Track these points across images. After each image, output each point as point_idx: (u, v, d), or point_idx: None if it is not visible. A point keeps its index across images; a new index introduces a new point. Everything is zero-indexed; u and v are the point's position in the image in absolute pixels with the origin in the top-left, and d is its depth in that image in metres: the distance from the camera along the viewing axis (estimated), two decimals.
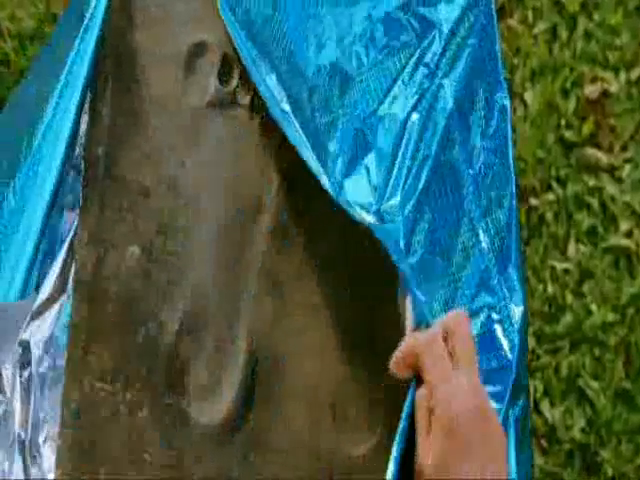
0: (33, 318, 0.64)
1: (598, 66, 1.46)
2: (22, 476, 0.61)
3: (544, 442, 1.28)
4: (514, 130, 0.70)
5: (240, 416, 0.65)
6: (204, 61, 0.72)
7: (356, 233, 0.70)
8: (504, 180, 0.72)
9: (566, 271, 1.36)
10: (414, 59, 0.74)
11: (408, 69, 0.73)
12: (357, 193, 0.67)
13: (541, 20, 1.49)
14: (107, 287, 0.65)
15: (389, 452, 0.60)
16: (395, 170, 0.69)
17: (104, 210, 0.66)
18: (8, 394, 0.63)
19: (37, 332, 0.64)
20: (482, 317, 0.68)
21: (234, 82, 0.73)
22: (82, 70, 0.68)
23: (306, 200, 0.72)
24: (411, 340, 0.58)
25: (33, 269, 0.64)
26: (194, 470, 0.63)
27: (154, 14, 0.72)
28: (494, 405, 0.64)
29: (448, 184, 0.70)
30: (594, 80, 1.46)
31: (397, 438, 0.58)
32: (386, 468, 0.57)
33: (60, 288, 0.65)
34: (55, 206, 0.66)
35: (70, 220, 0.67)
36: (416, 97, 0.72)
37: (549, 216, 1.39)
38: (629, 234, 1.38)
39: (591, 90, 1.45)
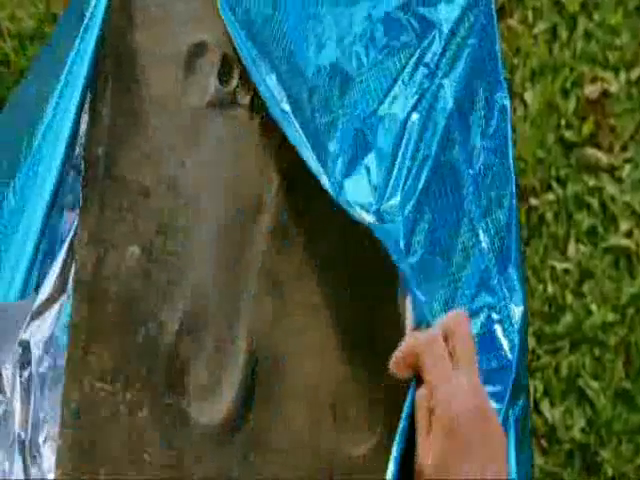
0: (33, 318, 0.64)
1: (598, 66, 1.46)
2: (22, 476, 0.61)
3: (544, 442, 1.28)
4: (514, 130, 0.70)
5: (240, 416, 0.65)
6: (204, 61, 0.72)
7: (356, 233, 0.70)
8: (504, 180, 0.72)
9: (566, 271, 1.36)
10: (414, 59, 0.74)
11: (408, 69, 0.73)
12: (357, 193, 0.67)
13: (541, 20, 1.49)
14: (107, 287, 0.65)
15: (389, 452, 0.60)
16: (395, 170, 0.69)
17: (104, 210, 0.66)
18: (8, 394, 0.63)
19: (37, 332, 0.64)
20: (482, 317, 0.68)
21: (234, 82, 0.73)
22: (82, 70, 0.68)
23: (306, 200, 0.71)
24: (411, 340, 0.58)
25: (33, 269, 0.64)
26: (194, 470, 0.63)
27: (154, 14, 0.72)
28: (494, 405, 0.64)
29: (448, 184, 0.70)
30: (594, 80, 1.46)
31: (397, 438, 0.58)
32: (386, 468, 0.57)
33: (60, 288, 0.65)
34: (55, 206, 0.66)
35: (70, 220, 0.67)
36: (416, 97, 0.72)
37: (549, 216, 1.39)
38: (629, 234, 1.38)
39: (591, 90, 1.45)
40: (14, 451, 0.62)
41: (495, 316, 0.67)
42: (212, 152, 0.70)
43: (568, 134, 1.43)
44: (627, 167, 1.41)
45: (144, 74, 0.70)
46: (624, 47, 1.47)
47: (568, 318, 1.33)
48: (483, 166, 0.72)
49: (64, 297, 0.65)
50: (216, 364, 0.66)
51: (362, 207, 0.67)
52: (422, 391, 0.56)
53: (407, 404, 0.58)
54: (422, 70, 0.73)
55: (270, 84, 0.69)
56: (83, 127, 0.68)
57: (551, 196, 1.40)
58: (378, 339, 0.70)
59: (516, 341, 0.67)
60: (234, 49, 0.72)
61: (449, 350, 0.56)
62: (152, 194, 0.68)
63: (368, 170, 0.69)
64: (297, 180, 0.71)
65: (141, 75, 0.70)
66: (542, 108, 1.43)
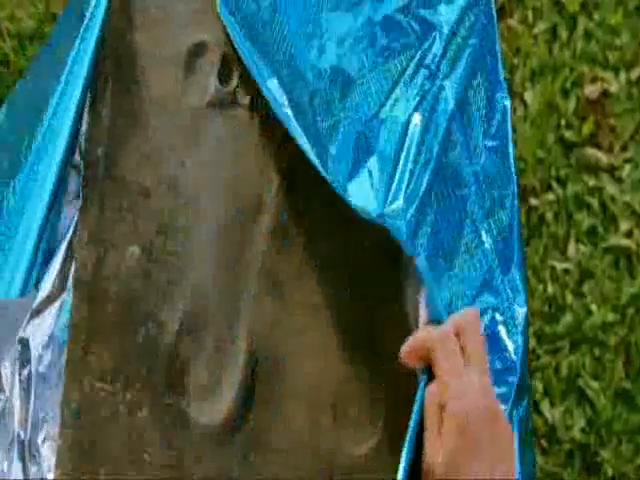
0: (33, 316, 0.64)
1: (598, 66, 1.46)
2: (21, 476, 0.61)
3: (544, 442, 1.28)
4: (514, 130, 0.70)
5: (240, 416, 0.65)
6: (204, 61, 0.72)
7: (356, 233, 0.70)
8: (506, 180, 0.72)
9: (566, 271, 1.36)
10: (415, 61, 0.74)
11: (409, 71, 0.73)
12: (360, 197, 0.67)
13: (541, 20, 1.49)
14: (107, 287, 0.65)
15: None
16: (397, 173, 0.69)
17: (104, 210, 0.66)
18: (7, 392, 0.63)
19: (37, 330, 0.64)
20: (486, 318, 0.68)
21: (234, 82, 0.72)
22: (82, 70, 0.68)
23: (306, 200, 0.71)
24: (424, 333, 0.58)
25: (33, 269, 0.64)
26: (194, 470, 0.63)
27: (154, 15, 0.72)
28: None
29: (450, 186, 0.70)
30: (594, 80, 1.46)
31: (408, 435, 0.57)
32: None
33: (60, 286, 0.65)
34: (55, 205, 0.66)
35: (70, 215, 0.67)
36: (417, 99, 0.72)
37: (549, 216, 1.39)
38: (629, 234, 1.38)
39: (591, 90, 1.45)
40: (13, 451, 0.62)
41: (499, 317, 0.67)
42: (212, 152, 0.70)
43: (568, 134, 1.43)
44: (627, 167, 1.41)
45: (144, 75, 0.70)
46: (624, 47, 1.47)
47: (568, 318, 1.33)
48: (485, 167, 0.72)
49: (64, 295, 0.65)
50: (216, 364, 0.66)
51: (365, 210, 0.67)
52: (432, 387, 0.56)
53: (418, 398, 0.58)
54: (423, 72, 0.73)
55: (272, 88, 0.69)
56: (84, 127, 0.68)
57: (551, 196, 1.40)
58: (378, 339, 0.70)
59: (520, 342, 0.67)
60: (234, 49, 0.72)
61: (461, 345, 0.56)
62: (152, 194, 0.68)
63: (370, 173, 0.69)
64: (297, 180, 0.71)
65: (141, 76, 0.70)
66: (542, 108, 1.43)
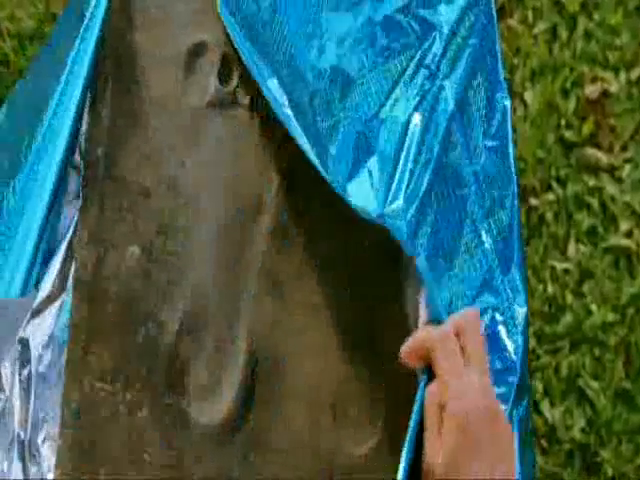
0: (33, 316, 0.64)
1: (598, 66, 1.46)
2: (21, 476, 0.61)
3: (544, 442, 1.28)
4: (514, 130, 0.70)
5: (240, 416, 0.65)
6: (204, 61, 0.72)
7: (356, 233, 0.70)
8: (506, 180, 0.72)
9: (566, 271, 1.36)
10: (415, 61, 0.74)
11: (409, 71, 0.73)
12: (360, 197, 0.67)
13: (541, 20, 1.49)
14: (107, 287, 0.65)
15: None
16: (397, 173, 0.69)
17: (104, 210, 0.66)
18: (7, 392, 0.63)
19: (37, 330, 0.64)
20: (486, 318, 0.68)
21: (234, 82, 0.72)
22: (82, 70, 0.68)
23: (306, 200, 0.71)
24: (424, 333, 0.59)
25: (33, 270, 0.64)
26: (194, 470, 0.63)
27: (154, 15, 0.72)
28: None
29: (450, 186, 0.70)
30: (594, 80, 1.46)
31: (408, 436, 0.57)
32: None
33: (60, 286, 0.65)
34: (55, 205, 0.66)
35: (70, 215, 0.67)
36: (417, 99, 0.72)
37: (549, 216, 1.39)
38: (629, 234, 1.38)
39: (591, 90, 1.45)
40: (13, 450, 0.62)
41: (499, 317, 0.67)
42: (212, 152, 0.70)
43: (568, 134, 1.43)
44: (627, 167, 1.41)
45: (144, 75, 0.70)
46: (624, 47, 1.47)
47: (568, 318, 1.33)
48: (485, 167, 0.72)
49: (64, 295, 0.65)
50: (216, 364, 0.66)
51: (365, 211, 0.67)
52: (432, 388, 0.56)
53: (417, 398, 0.58)
54: (423, 72, 0.73)
55: (272, 88, 0.69)
56: (83, 127, 0.68)
57: (551, 196, 1.40)
58: (378, 339, 0.70)
59: (520, 342, 0.67)
60: (234, 49, 0.72)
61: (461, 345, 0.56)
62: (152, 194, 0.68)
63: (370, 173, 0.69)
64: (297, 180, 0.71)
65: (141, 76, 0.70)
66: (542, 108, 1.43)
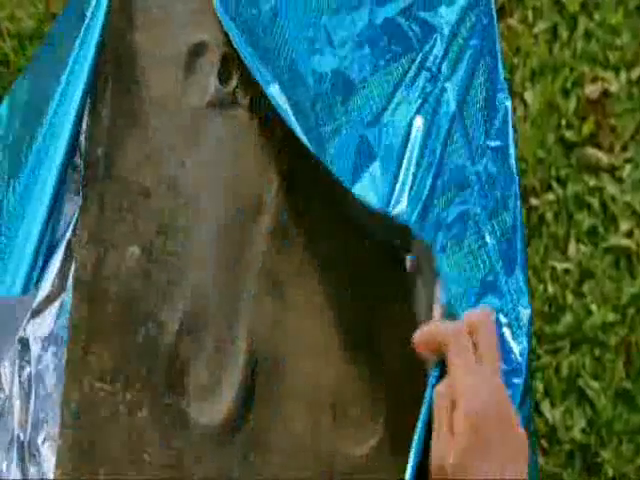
0: (33, 316, 0.64)
1: (598, 66, 1.46)
2: (20, 476, 0.61)
3: (545, 442, 1.28)
4: (514, 130, 0.70)
5: (240, 416, 0.65)
6: (204, 61, 0.72)
7: (356, 233, 0.70)
8: (508, 181, 0.72)
9: (566, 271, 1.36)
10: (416, 64, 0.74)
11: (410, 74, 0.73)
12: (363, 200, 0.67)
13: (541, 20, 1.49)
14: (107, 287, 0.64)
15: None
16: (400, 176, 0.69)
17: (104, 210, 0.66)
18: (7, 392, 0.63)
19: (37, 330, 0.64)
20: None
21: (234, 82, 0.72)
22: (83, 70, 0.68)
23: (306, 200, 0.71)
24: (439, 325, 0.59)
25: (34, 271, 0.64)
26: (194, 470, 0.63)
27: (154, 15, 0.72)
28: None
29: (453, 188, 0.70)
30: (594, 80, 1.46)
31: (416, 435, 0.57)
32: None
33: (60, 286, 0.65)
34: (56, 204, 0.66)
35: (70, 214, 0.67)
36: (419, 102, 0.72)
37: (549, 216, 1.39)
38: (629, 234, 1.38)
39: (591, 90, 1.45)
40: (13, 451, 0.62)
41: (503, 319, 0.67)
42: (212, 152, 0.70)
43: (568, 134, 1.43)
44: (627, 167, 1.41)
45: (144, 75, 0.70)
46: (624, 47, 1.47)
47: (568, 318, 1.33)
48: (487, 168, 0.72)
49: (64, 295, 0.65)
50: (216, 364, 0.66)
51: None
52: (441, 388, 0.56)
53: (426, 399, 0.58)
54: (424, 74, 0.73)
55: (273, 93, 0.68)
56: (84, 127, 0.68)
57: (551, 196, 1.40)
58: (378, 339, 0.70)
59: (525, 344, 0.66)
60: (234, 49, 0.72)
61: (473, 342, 0.56)
62: (152, 194, 0.68)
63: (373, 177, 0.68)
64: (297, 180, 0.71)
65: (141, 76, 0.70)
66: (542, 108, 1.43)
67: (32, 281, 0.64)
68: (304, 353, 0.68)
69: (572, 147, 1.43)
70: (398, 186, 0.68)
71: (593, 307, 1.33)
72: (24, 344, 0.64)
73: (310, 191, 0.71)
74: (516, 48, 1.48)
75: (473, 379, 0.54)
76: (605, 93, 1.45)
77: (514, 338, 0.67)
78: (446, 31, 0.75)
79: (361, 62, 0.73)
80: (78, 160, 0.68)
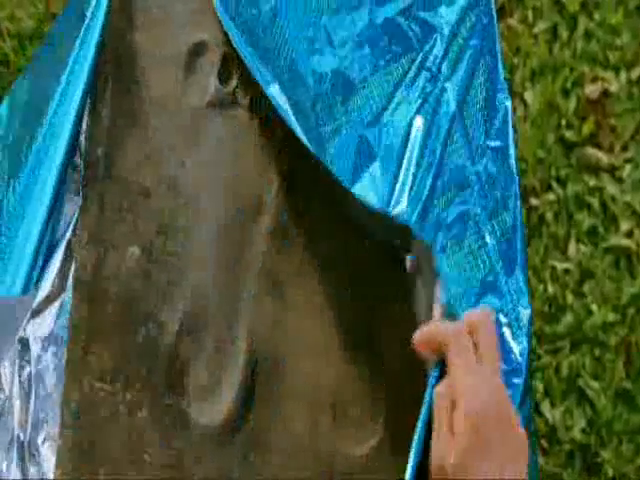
0: (33, 316, 0.64)
1: (598, 66, 1.46)
2: (20, 476, 0.61)
3: (544, 442, 1.28)
4: (514, 130, 0.70)
5: (240, 416, 0.65)
6: (204, 61, 0.72)
7: (356, 233, 0.70)
8: (508, 181, 0.72)
9: (566, 271, 1.36)
10: (416, 64, 0.74)
11: (410, 74, 0.73)
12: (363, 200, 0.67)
13: (541, 20, 1.49)
14: (107, 287, 0.64)
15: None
16: (400, 177, 0.69)
17: (104, 210, 0.66)
18: (7, 392, 0.63)
19: (37, 330, 0.64)
20: None
21: (234, 82, 0.72)
22: (83, 70, 0.68)
23: (306, 200, 0.71)
24: (439, 325, 0.58)
25: (34, 271, 0.64)
26: (194, 470, 0.63)
27: (154, 15, 0.72)
28: None
29: (453, 188, 0.70)
30: (594, 80, 1.46)
31: (416, 435, 0.57)
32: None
33: (60, 286, 0.65)
34: (56, 204, 0.66)
35: (70, 213, 0.67)
36: (419, 102, 0.72)
37: (549, 216, 1.39)
38: (629, 234, 1.38)
39: (591, 90, 1.45)
40: (13, 451, 0.62)
41: (503, 319, 0.67)
42: (212, 152, 0.70)
43: (568, 134, 1.43)
44: (627, 167, 1.41)
45: (144, 75, 0.70)
46: (624, 47, 1.47)
47: (568, 318, 1.33)
48: (487, 168, 0.72)
49: (64, 295, 0.65)
50: (216, 364, 0.66)
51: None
52: (441, 389, 0.56)
53: (426, 399, 0.58)
54: (424, 74, 0.73)
55: (273, 93, 0.68)
56: (84, 127, 0.68)
57: (551, 196, 1.40)
58: (378, 339, 0.70)
59: (525, 344, 0.66)
60: (234, 49, 0.72)
61: (474, 341, 0.56)
62: (152, 194, 0.68)
63: (373, 177, 0.68)
64: (297, 180, 0.71)
65: (141, 76, 0.70)
66: (542, 108, 1.43)
67: (32, 281, 0.64)
68: (304, 353, 0.68)
69: (572, 147, 1.43)
70: (398, 186, 0.68)
71: (593, 307, 1.33)
72: (24, 344, 0.64)
73: (310, 191, 0.71)
74: (516, 48, 1.48)
75: (473, 379, 0.54)
76: (605, 93, 1.45)
77: (514, 338, 0.67)
78: (446, 31, 0.75)
79: (361, 62, 0.73)
80: (78, 160, 0.68)
